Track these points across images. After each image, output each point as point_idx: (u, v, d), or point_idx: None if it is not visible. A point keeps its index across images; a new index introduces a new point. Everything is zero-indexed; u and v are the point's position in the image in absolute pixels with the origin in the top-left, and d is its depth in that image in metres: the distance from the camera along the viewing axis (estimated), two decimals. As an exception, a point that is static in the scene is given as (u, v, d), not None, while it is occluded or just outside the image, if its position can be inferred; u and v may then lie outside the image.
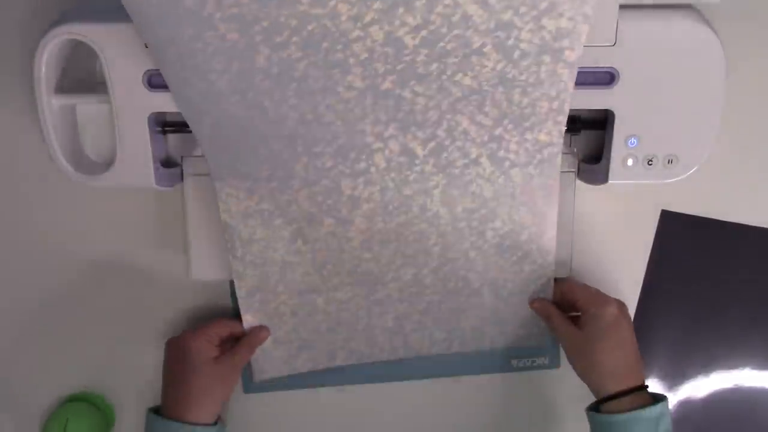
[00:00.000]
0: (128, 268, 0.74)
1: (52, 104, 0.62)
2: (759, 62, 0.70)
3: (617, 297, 0.74)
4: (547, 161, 0.63)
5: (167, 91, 0.60)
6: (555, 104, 0.60)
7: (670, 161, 0.63)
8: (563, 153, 0.68)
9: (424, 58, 0.56)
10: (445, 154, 0.62)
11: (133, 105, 0.60)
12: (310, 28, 0.53)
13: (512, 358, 0.76)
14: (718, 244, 0.74)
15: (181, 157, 0.68)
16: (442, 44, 0.55)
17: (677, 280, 0.75)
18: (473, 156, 0.63)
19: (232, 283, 0.73)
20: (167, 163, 0.68)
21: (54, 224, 0.73)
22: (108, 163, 0.63)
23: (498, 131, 0.61)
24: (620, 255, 0.74)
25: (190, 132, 0.66)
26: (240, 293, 0.69)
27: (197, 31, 0.54)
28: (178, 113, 0.62)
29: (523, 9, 0.54)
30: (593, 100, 0.61)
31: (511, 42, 0.55)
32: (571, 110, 0.62)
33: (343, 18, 0.53)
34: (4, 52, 0.68)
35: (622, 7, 0.59)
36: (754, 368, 0.77)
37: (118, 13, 0.58)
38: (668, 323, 0.76)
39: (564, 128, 0.61)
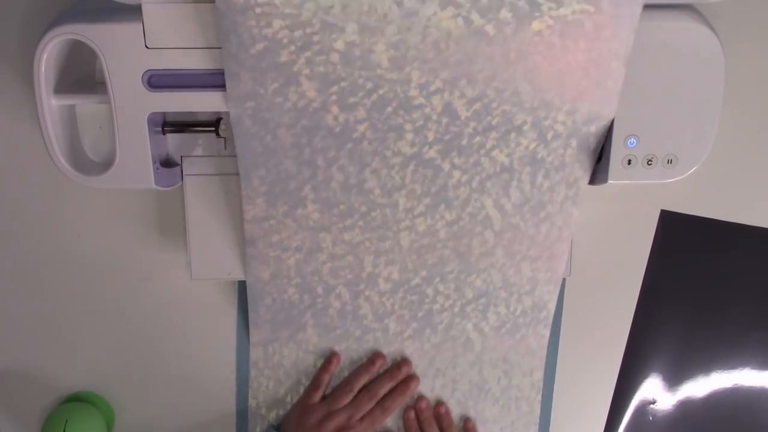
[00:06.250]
0: (128, 268, 0.74)
1: (51, 104, 0.62)
2: (759, 62, 0.70)
3: (617, 297, 0.75)
4: (557, 256, 0.68)
5: (167, 91, 0.60)
6: (571, 191, 0.63)
7: (669, 161, 0.63)
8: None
9: (471, 131, 0.60)
10: (465, 240, 0.66)
11: (133, 105, 0.60)
12: (381, 91, 0.57)
13: None
14: (717, 244, 0.74)
15: (181, 157, 0.68)
16: (489, 118, 0.59)
17: (677, 280, 0.75)
18: (489, 245, 0.66)
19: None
20: (167, 163, 0.68)
21: (54, 224, 0.73)
22: (108, 163, 0.63)
23: (516, 220, 0.65)
24: (620, 255, 0.74)
25: (190, 132, 0.67)
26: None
27: (281, 86, 0.57)
28: (178, 113, 0.63)
29: (564, 91, 0.57)
30: (593, 100, 0.61)
31: (548, 122, 0.60)
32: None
33: (413, 84, 0.57)
34: (4, 52, 0.68)
35: (622, 7, 0.59)
36: (754, 368, 0.77)
37: (118, 13, 0.58)
38: (668, 323, 0.76)
39: (575, 222, 0.66)
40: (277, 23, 0.54)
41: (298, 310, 0.70)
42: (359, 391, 0.72)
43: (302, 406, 0.72)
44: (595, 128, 0.61)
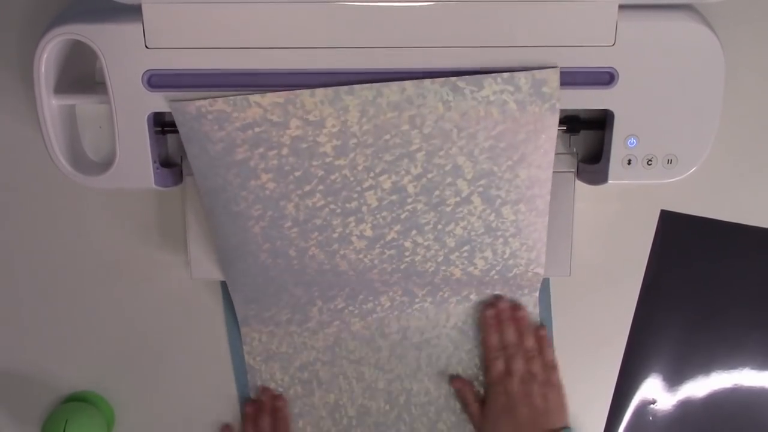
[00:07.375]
0: (128, 268, 0.74)
1: (51, 104, 0.62)
2: (759, 62, 0.70)
3: (617, 297, 0.75)
4: (527, 296, 0.71)
5: (167, 91, 0.60)
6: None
7: (669, 161, 0.63)
8: (563, 154, 0.69)
9: (423, 207, 0.63)
10: (440, 293, 0.70)
11: (133, 105, 0.60)
12: (332, 177, 0.61)
13: None
14: (717, 244, 0.74)
15: (181, 157, 0.68)
16: (437, 192, 0.62)
17: (677, 280, 0.75)
18: (464, 293, 0.70)
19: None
20: (167, 163, 0.68)
21: (54, 224, 0.73)
22: (108, 163, 0.63)
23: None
24: (620, 255, 0.74)
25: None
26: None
27: (243, 180, 0.61)
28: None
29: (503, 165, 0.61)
30: (592, 100, 0.61)
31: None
32: (570, 110, 0.62)
33: (360, 168, 0.61)
34: (4, 52, 0.68)
35: (622, 7, 0.59)
36: (754, 368, 0.77)
37: (118, 13, 0.58)
38: (668, 323, 0.76)
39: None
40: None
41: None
42: None
43: None
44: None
